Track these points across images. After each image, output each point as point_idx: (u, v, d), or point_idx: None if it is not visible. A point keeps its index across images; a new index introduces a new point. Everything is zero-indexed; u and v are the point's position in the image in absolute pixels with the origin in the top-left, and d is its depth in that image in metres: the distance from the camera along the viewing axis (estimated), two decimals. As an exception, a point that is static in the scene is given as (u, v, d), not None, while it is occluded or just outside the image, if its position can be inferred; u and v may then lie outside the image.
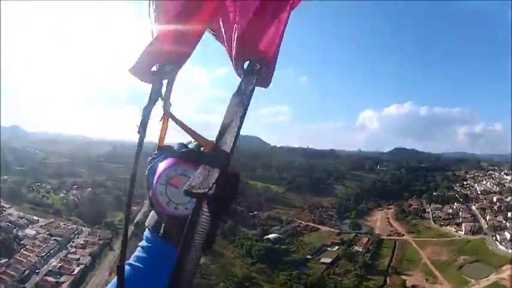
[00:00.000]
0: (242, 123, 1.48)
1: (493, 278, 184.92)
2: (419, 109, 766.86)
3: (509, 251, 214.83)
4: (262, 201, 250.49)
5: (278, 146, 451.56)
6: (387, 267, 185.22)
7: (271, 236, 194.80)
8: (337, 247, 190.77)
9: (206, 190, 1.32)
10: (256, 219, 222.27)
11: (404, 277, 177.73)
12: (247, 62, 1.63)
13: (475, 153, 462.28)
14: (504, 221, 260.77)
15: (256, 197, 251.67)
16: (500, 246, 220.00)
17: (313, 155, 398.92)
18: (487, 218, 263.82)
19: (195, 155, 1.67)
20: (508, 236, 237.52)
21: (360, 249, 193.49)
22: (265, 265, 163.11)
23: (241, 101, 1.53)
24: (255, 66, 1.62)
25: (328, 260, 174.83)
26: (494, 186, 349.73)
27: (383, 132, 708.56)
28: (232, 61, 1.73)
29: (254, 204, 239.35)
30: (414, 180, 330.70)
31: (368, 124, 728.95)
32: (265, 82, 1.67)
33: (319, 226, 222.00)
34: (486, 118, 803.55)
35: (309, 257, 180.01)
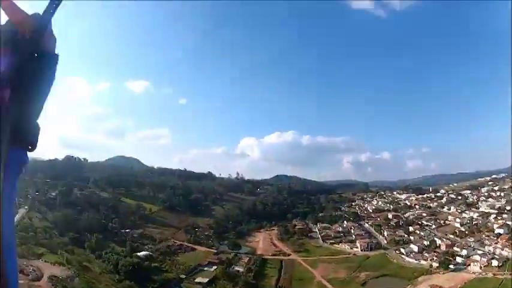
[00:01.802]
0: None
1: None
2: (302, 138, 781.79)
3: (422, 262, 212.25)
4: (135, 219, 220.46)
5: (156, 167, 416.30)
6: (275, 287, 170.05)
7: (141, 253, 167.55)
8: (215, 267, 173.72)
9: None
10: (128, 237, 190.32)
11: None
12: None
13: (361, 181, 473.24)
14: (406, 235, 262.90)
15: (129, 214, 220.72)
16: (408, 259, 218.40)
17: (189, 177, 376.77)
18: (385, 233, 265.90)
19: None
20: (415, 248, 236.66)
21: (241, 269, 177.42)
22: (133, 282, 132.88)
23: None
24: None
25: (205, 280, 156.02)
26: (388, 205, 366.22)
27: (264, 161, 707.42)
28: None
29: (127, 222, 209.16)
30: (297, 203, 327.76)
31: (249, 152, 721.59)
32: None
33: (196, 246, 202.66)
34: (373, 148, 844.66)
35: (183, 276, 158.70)
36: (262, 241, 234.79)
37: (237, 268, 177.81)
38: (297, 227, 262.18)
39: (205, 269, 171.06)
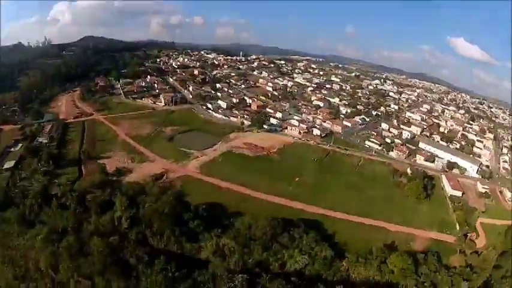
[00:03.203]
0: None
1: (223, 147, 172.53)
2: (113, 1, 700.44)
3: (231, 118, 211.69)
4: None
5: None
6: (78, 153, 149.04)
7: None
8: (20, 144, 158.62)
9: None
10: None
11: (102, 161, 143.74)
12: None
13: (171, 41, 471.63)
14: (213, 91, 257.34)
15: None
16: (215, 115, 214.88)
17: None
18: (190, 88, 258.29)
19: None
20: (223, 104, 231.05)
21: (45, 140, 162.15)
22: None
23: None
24: None
25: (12, 163, 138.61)
26: (194, 62, 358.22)
27: (76, 25, 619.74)
28: None
29: None
30: (101, 61, 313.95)
31: (61, 17, 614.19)
32: None
33: (2, 126, 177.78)
34: (185, 10, 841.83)
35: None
36: (65, 104, 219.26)
37: (40, 139, 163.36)
38: (99, 84, 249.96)
39: (12, 149, 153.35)
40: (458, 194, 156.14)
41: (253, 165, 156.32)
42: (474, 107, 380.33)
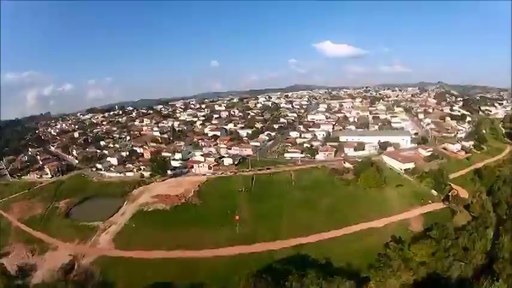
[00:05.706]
0: None
1: (130, 208, 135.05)
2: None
3: (128, 173, 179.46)
4: None
5: None
6: None
7: None
8: None
9: None
10: None
11: (1, 261, 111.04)
12: None
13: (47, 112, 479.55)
14: (99, 151, 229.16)
15: None
16: (109, 174, 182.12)
17: None
18: (74, 153, 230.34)
19: None
20: (114, 161, 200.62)
21: None
22: None
23: None
24: None
25: None
26: (72, 126, 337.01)
27: None
28: None
29: None
30: None
31: None
32: None
33: None
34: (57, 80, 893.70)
35: None
36: None
37: None
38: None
39: None
40: (411, 165, 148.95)
41: (175, 218, 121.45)
42: (363, 95, 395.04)
